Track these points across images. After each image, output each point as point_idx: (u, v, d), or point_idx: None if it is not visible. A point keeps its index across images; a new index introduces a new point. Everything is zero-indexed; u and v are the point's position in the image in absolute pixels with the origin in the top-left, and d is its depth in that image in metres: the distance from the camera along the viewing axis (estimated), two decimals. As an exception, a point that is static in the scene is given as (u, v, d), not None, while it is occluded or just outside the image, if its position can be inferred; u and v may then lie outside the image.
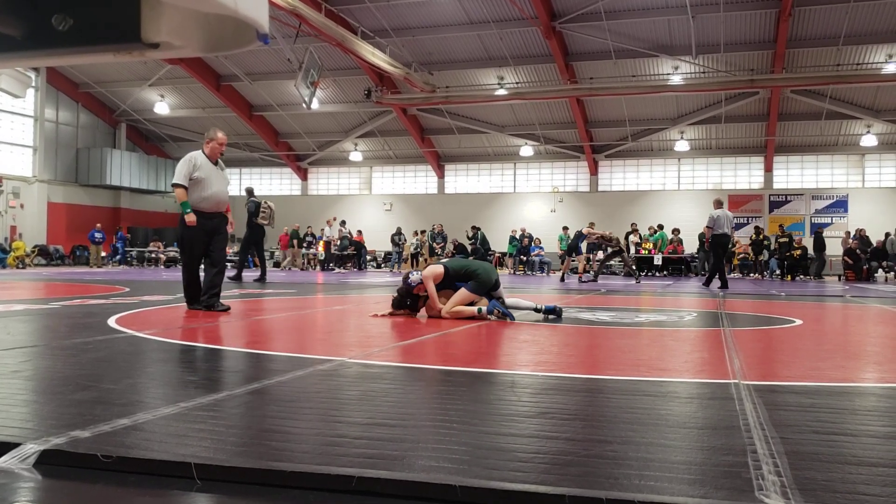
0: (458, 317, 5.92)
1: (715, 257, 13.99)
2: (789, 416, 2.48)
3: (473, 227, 23.91)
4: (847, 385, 3.21)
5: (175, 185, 6.56)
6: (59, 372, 3.30)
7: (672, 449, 2.04)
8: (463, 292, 6.01)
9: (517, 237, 24.36)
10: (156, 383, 3.14)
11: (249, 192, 14.34)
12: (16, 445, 1.94)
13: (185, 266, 6.76)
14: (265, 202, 13.58)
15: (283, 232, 26.41)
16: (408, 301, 6.21)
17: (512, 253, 24.30)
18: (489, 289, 6.11)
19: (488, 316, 5.88)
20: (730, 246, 16.77)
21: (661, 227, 23.83)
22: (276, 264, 26.98)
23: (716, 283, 14.00)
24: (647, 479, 1.73)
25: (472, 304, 6.06)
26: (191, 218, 6.47)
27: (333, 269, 24.15)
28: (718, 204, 13.84)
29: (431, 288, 6.04)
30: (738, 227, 26.16)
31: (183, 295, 6.84)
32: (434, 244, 24.74)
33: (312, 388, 2.97)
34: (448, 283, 6.12)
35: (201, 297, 6.60)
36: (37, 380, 3.17)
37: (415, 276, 6.21)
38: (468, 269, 6.16)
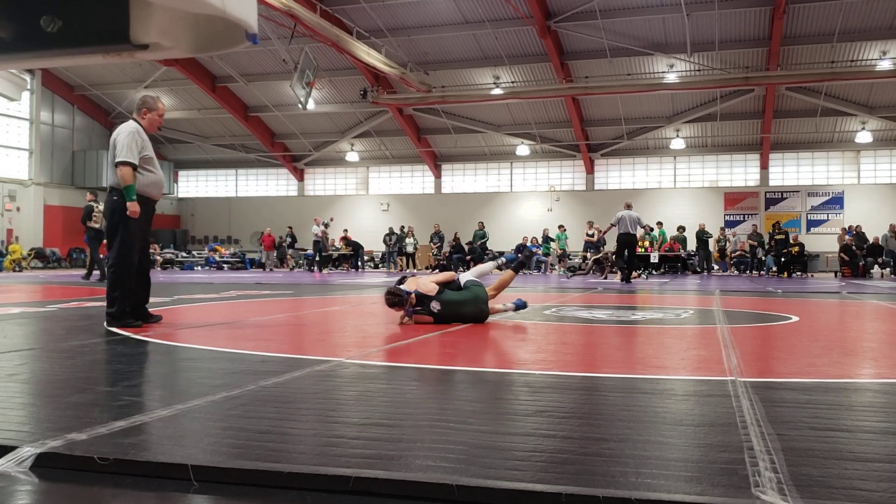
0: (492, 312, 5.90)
1: (619, 254, 14.96)
2: (786, 412, 2.49)
3: (480, 223, 24.18)
4: (843, 381, 3.21)
5: (124, 164, 5.25)
6: (56, 375, 3.30)
7: (669, 446, 2.04)
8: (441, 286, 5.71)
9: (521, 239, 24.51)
10: (152, 385, 3.13)
11: (93, 195, 15.52)
12: (12, 448, 1.94)
13: (128, 268, 5.33)
14: (97, 206, 14.60)
15: (265, 232, 26.46)
16: (396, 299, 6.11)
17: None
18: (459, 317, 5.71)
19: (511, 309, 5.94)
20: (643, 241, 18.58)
21: (660, 224, 23.87)
22: (262, 265, 27.02)
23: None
24: (644, 477, 1.73)
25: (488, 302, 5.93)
26: (135, 207, 5.26)
27: (314, 271, 23.88)
28: (626, 206, 14.83)
29: (437, 278, 5.90)
30: (735, 224, 26.23)
31: (116, 310, 5.23)
32: (431, 244, 24.77)
33: (309, 388, 2.97)
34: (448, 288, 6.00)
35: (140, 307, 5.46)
36: (33, 383, 3.16)
37: (409, 286, 5.74)
38: (465, 291, 5.76)
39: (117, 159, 5.31)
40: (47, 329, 5.35)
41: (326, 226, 25.38)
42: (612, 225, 14.59)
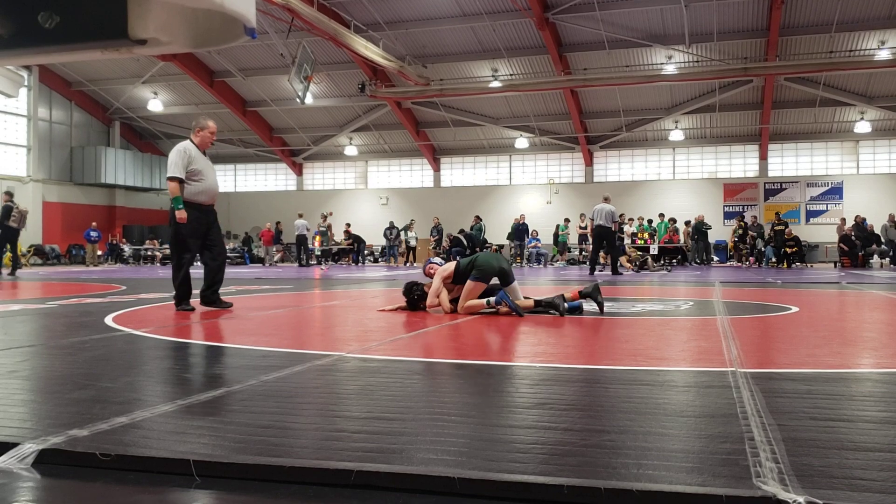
0: (472, 311, 5.86)
1: (594, 246, 15.41)
2: (786, 402, 2.49)
3: (477, 217, 24.19)
4: (844, 371, 3.22)
5: (171, 179, 6.24)
6: (57, 371, 3.30)
7: (670, 437, 2.04)
8: (469, 285, 5.88)
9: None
10: (153, 381, 3.13)
11: (9, 194, 16.17)
12: (14, 445, 1.94)
13: (180, 264, 6.40)
14: (17, 207, 15.57)
15: (265, 228, 26.44)
16: (416, 295, 6.18)
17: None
18: (494, 275, 5.94)
19: (496, 306, 5.80)
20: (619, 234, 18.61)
21: (661, 216, 23.83)
22: (262, 259, 27.07)
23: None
24: (645, 468, 1.73)
25: (483, 296, 5.97)
26: (182, 215, 6.20)
27: (307, 265, 24.03)
28: (604, 199, 15.38)
29: (437, 283, 6.02)
30: (733, 215, 26.21)
31: (176, 296, 6.42)
32: (430, 238, 24.76)
33: (311, 383, 2.97)
34: (460, 280, 6.03)
35: (203, 291, 6.44)
36: (34, 379, 3.17)
37: (436, 260, 6.43)
38: (470, 261, 6.11)
39: (166, 175, 6.36)
40: (48, 325, 5.35)
41: (325, 217, 25.50)
42: (591, 219, 15.00)
